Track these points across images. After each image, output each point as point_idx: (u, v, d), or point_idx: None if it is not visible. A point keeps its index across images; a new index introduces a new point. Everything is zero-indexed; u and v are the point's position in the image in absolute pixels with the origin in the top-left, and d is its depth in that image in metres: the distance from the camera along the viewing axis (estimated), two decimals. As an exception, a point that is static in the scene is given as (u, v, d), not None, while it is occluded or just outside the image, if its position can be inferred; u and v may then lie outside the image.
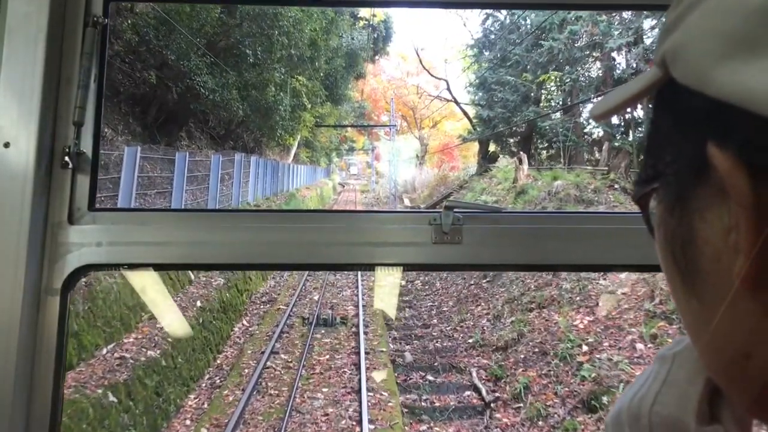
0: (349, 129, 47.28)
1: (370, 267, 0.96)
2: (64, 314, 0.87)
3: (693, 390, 0.38)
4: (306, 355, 9.08)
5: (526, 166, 16.17)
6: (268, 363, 8.71)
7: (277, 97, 17.08)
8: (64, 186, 0.89)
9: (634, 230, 0.93)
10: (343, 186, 54.69)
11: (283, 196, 23.71)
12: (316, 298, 12.78)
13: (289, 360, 8.95)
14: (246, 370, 8.45)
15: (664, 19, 0.32)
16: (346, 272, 14.19)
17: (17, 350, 0.82)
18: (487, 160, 23.74)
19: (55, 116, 0.89)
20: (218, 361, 8.99)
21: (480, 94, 24.43)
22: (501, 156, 23.97)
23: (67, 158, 0.88)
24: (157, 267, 0.95)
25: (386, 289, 12.77)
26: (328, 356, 9.20)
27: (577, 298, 8.56)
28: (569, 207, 11.63)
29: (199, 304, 9.13)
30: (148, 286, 7.59)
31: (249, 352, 9.25)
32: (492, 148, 24.68)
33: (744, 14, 0.25)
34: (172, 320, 7.89)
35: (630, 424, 0.40)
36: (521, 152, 17.62)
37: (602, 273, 8.38)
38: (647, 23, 16.58)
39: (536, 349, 8.01)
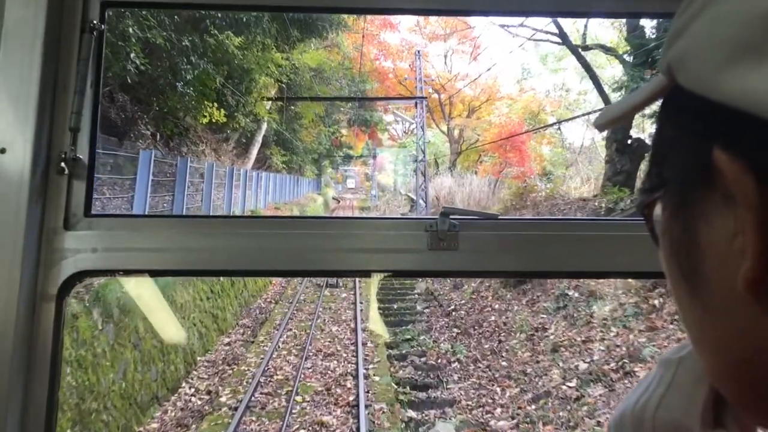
0: (344, 132, 34.55)
1: (366, 273, 0.96)
2: (59, 320, 0.87)
3: (698, 395, 0.38)
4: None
5: None
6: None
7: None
8: (59, 192, 0.89)
9: (631, 237, 0.93)
10: (338, 201, 44.90)
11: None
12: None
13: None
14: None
15: (670, 27, 0.32)
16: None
17: (12, 356, 0.81)
18: (629, 154, 12.24)
19: (52, 122, 0.89)
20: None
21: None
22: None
23: (63, 164, 0.88)
24: (153, 273, 0.94)
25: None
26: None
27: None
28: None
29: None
30: (143, 292, 7.52)
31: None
32: (634, 131, 12.50)
33: (749, 19, 0.25)
34: (168, 327, 7.84)
35: (634, 427, 0.40)
36: None
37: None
38: None
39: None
